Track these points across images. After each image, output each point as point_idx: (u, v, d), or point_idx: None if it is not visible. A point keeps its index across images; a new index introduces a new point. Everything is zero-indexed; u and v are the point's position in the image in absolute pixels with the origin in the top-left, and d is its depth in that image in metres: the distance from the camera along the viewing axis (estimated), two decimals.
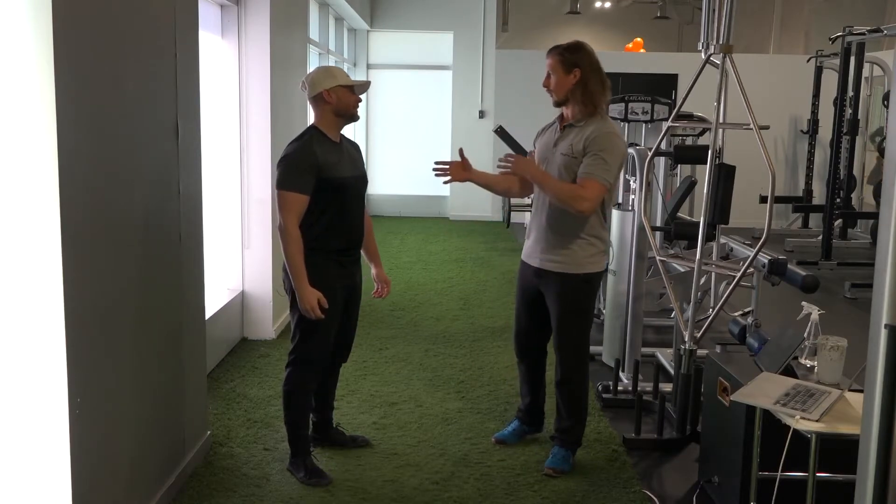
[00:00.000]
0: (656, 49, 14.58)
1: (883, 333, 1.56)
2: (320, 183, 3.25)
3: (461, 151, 3.56)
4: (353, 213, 3.41)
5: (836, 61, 8.87)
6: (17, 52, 2.24)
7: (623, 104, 5.76)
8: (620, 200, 5.16)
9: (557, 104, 3.45)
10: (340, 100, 3.33)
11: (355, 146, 3.58)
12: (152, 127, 3.02)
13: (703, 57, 3.76)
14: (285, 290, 3.42)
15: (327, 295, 3.29)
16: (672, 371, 4.18)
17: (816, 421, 2.46)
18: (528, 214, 3.84)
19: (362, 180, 3.49)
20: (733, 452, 3.03)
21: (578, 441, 3.63)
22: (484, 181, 3.68)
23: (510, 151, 3.62)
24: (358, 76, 11.43)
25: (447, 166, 3.51)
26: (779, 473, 2.63)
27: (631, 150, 4.74)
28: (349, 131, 12.34)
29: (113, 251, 2.68)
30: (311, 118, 3.44)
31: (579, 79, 3.36)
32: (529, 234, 3.59)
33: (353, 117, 3.41)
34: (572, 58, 3.37)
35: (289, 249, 3.23)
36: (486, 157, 10.76)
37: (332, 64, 9.82)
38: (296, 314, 3.36)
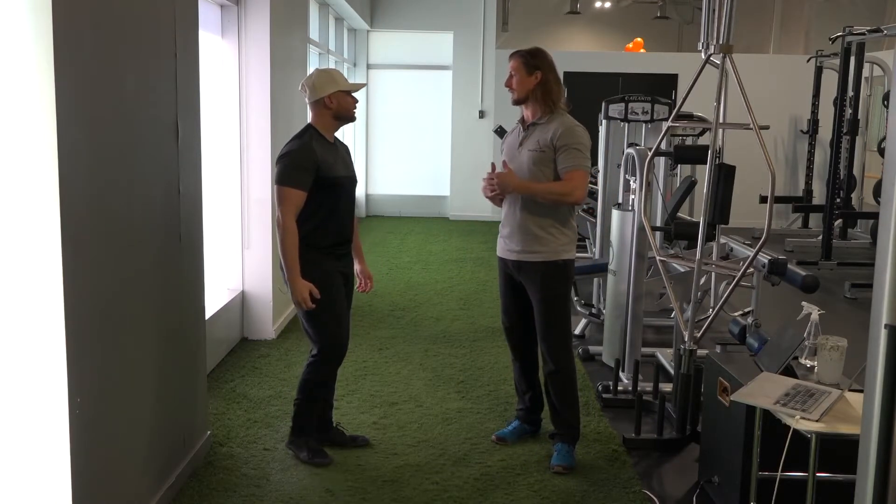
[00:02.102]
0: (656, 49, 14.58)
1: (883, 333, 1.57)
2: (317, 181, 3.38)
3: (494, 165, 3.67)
4: (344, 211, 3.54)
5: (836, 61, 8.87)
6: (17, 51, 2.24)
7: (623, 104, 5.76)
8: (620, 200, 5.16)
9: (517, 102, 3.66)
10: (340, 104, 3.48)
11: (346, 148, 3.71)
12: (152, 127, 3.02)
13: (703, 57, 3.76)
14: (288, 287, 3.47)
15: (329, 282, 3.44)
16: (672, 371, 4.18)
17: (816, 421, 2.46)
18: None
19: (353, 181, 3.64)
20: (733, 452, 3.03)
21: (577, 433, 3.68)
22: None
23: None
24: (358, 76, 11.43)
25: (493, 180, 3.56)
26: (779, 473, 2.63)
27: (631, 150, 4.74)
28: (349, 129, 12.19)
29: (113, 251, 2.68)
30: (310, 117, 3.50)
31: (540, 80, 3.57)
32: (503, 229, 3.71)
33: (352, 119, 3.58)
34: (534, 61, 3.58)
35: (286, 242, 3.36)
36: (486, 157, 10.75)
37: (332, 64, 9.82)
38: (302, 311, 3.46)
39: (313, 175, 3.36)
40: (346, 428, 3.87)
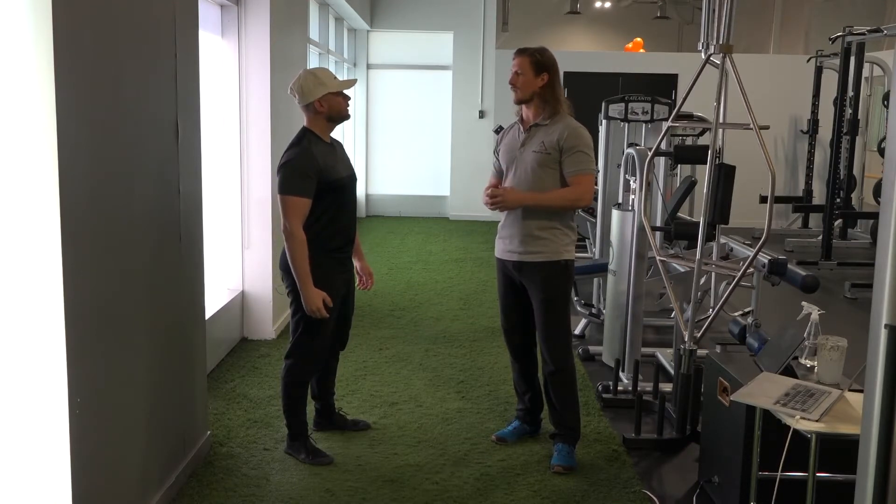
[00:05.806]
0: (656, 49, 14.58)
1: (883, 333, 1.56)
2: (321, 186, 3.36)
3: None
4: (348, 212, 3.53)
5: (836, 61, 8.87)
6: (17, 51, 2.24)
7: (623, 104, 5.76)
8: (620, 200, 5.16)
9: (520, 102, 3.60)
10: (332, 106, 3.44)
11: (341, 145, 3.68)
12: (152, 126, 3.02)
13: (703, 57, 3.76)
14: (286, 286, 3.48)
15: (330, 292, 3.40)
16: (672, 371, 4.18)
17: (816, 421, 2.46)
18: None
19: (354, 179, 3.62)
20: (733, 452, 3.03)
21: (578, 433, 3.68)
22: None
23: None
24: (358, 76, 11.42)
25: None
26: (779, 473, 2.63)
27: (631, 150, 4.74)
28: (349, 130, 12.14)
29: (113, 251, 2.68)
30: (305, 120, 3.50)
31: (547, 82, 3.54)
32: (503, 230, 3.69)
33: (346, 118, 3.54)
34: (542, 61, 3.53)
35: (295, 253, 3.32)
36: (486, 157, 10.75)
37: (332, 64, 9.82)
38: (299, 310, 3.45)
39: (316, 181, 3.33)
40: (347, 413, 3.98)
